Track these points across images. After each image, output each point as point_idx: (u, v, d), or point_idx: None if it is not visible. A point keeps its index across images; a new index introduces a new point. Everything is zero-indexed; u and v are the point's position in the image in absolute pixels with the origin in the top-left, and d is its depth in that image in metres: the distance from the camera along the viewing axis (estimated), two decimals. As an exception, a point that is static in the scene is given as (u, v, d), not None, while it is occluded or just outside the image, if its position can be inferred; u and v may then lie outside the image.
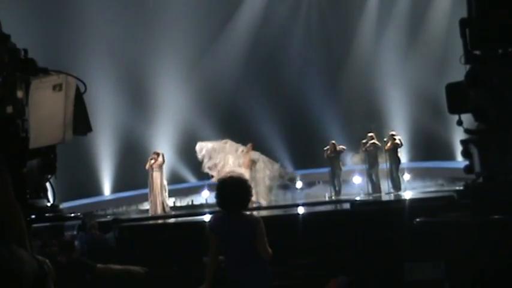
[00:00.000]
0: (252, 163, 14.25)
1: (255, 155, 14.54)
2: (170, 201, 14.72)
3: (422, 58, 19.06)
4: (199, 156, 14.50)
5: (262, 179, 14.43)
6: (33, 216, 2.65)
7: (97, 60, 17.94)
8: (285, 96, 19.74)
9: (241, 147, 14.47)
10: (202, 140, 15.12)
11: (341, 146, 15.62)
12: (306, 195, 16.68)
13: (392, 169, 14.61)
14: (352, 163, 16.34)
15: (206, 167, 14.44)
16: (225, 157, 14.34)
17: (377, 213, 8.57)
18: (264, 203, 14.08)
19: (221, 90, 19.44)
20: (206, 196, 16.56)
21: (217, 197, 4.26)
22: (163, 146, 17.27)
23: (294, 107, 19.60)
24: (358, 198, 13.03)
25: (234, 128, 18.76)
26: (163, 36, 18.84)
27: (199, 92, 19.20)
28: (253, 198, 13.76)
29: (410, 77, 18.75)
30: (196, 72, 19.45)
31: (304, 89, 19.71)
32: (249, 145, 14.42)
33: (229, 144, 14.55)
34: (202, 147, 14.54)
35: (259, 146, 17.84)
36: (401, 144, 14.73)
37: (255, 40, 20.02)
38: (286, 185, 16.31)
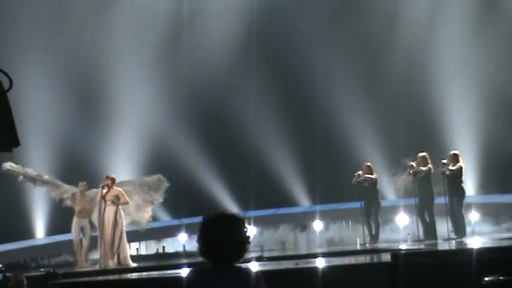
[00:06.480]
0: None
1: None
2: (131, 248, 14.72)
3: (501, 38, 18.90)
4: None
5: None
6: None
7: (31, 49, 17.96)
8: (294, 97, 19.68)
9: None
10: (175, 158, 15.14)
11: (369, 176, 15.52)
12: (327, 241, 16.65)
13: (454, 205, 14.60)
14: (397, 194, 16.35)
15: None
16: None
17: (430, 268, 8.58)
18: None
19: (204, 89, 19.45)
20: (184, 240, 16.54)
21: (201, 241, 4.25)
22: (122, 167, 17.27)
23: (308, 113, 19.59)
24: (403, 247, 13.03)
25: (224, 140, 18.75)
26: (122, 18, 18.95)
27: (174, 92, 19.23)
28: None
29: (481, 68, 18.65)
30: (167, 64, 19.47)
31: (323, 86, 19.64)
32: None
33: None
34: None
35: (260, 171, 17.76)
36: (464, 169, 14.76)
37: (252, 23, 20.05)
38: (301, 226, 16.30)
